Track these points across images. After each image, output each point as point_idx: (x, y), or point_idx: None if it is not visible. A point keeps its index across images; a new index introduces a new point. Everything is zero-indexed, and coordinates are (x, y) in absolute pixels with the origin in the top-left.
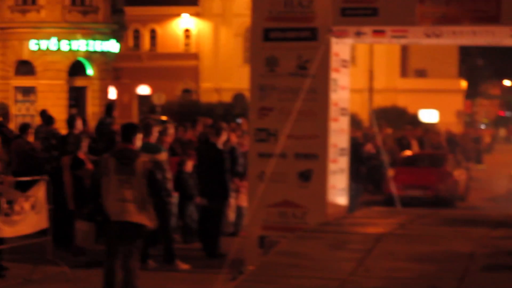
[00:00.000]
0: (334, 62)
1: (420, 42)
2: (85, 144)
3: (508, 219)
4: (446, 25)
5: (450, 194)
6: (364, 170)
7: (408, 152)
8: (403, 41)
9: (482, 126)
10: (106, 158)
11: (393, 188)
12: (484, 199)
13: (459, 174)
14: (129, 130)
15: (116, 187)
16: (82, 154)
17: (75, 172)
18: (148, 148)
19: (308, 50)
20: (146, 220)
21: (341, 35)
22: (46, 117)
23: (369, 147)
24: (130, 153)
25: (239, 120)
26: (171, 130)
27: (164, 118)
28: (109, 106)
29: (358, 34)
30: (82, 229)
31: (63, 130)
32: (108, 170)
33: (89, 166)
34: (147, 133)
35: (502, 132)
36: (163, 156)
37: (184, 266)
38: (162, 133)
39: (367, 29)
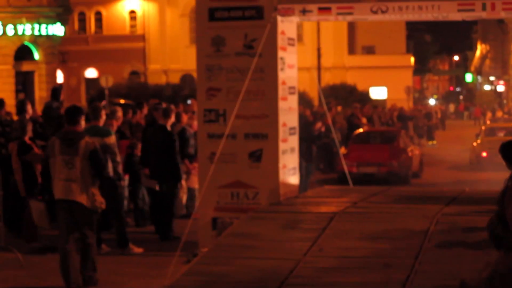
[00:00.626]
0: (280, 41)
1: (366, 19)
2: (29, 128)
3: (460, 195)
4: (392, 0)
5: (404, 171)
6: (315, 149)
7: (359, 130)
8: (349, 17)
9: (432, 102)
10: (52, 140)
11: (345, 166)
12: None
13: (412, 150)
14: (72, 113)
15: (61, 167)
16: (27, 138)
17: (22, 157)
18: (97, 131)
19: (254, 29)
20: (86, 201)
21: (286, 13)
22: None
23: (319, 125)
24: (74, 135)
25: (189, 101)
26: (119, 113)
27: (122, 101)
28: (55, 90)
29: (304, 11)
30: (36, 208)
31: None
32: (53, 151)
33: (37, 150)
34: (95, 116)
35: (452, 107)
36: (112, 139)
37: (137, 249)
38: (110, 116)
39: (313, 7)
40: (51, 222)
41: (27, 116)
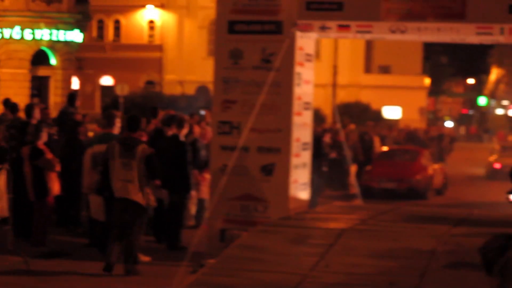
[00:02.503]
0: (298, 56)
1: (384, 38)
2: (44, 134)
3: (469, 216)
4: (411, 21)
5: (423, 187)
6: (326, 165)
7: (384, 148)
8: (368, 36)
9: (447, 124)
10: (112, 144)
11: (355, 184)
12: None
13: (435, 169)
14: (133, 121)
15: (120, 169)
16: (41, 144)
17: (34, 162)
18: (110, 139)
19: (272, 43)
20: (142, 199)
21: (306, 29)
22: (10, 106)
23: (326, 138)
24: (132, 141)
25: (203, 112)
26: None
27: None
28: (71, 96)
29: (323, 28)
30: (94, 202)
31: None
32: (113, 154)
33: (49, 155)
34: (109, 124)
35: (462, 130)
36: None
37: (145, 258)
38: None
39: (332, 24)
40: (106, 217)
41: (34, 121)
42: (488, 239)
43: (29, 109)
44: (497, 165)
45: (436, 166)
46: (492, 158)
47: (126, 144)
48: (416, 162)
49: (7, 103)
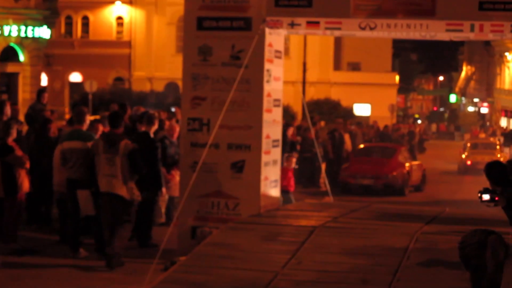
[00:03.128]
0: (268, 53)
1: (354, 35)
2: (14, 131)
3: (441, 214)
4: (381, 18)
5: (400, 184)
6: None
7: (360, 145)
8: (337, 33)
9: (419, 121)
10: (96, 140)
11: (326, 182)
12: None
13: (411, 165)
14: (114, 118)
15: (104, 164)
16: (11, 140)
17: (4, 159)
18: (79, 135)
19: (241, 40)
20: (126, 193)
21: (275, 25)
22: None
23: (290, 132)
24: (115, 136)
25: (173, 109)
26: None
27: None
28: (40, 92)
29: (292, 25)
30: (83, 196)
31: None
32: (97, 150)
33: (19, 152)
34: (79, 120)
35: (433, 127)
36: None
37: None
38: (98, 120)
39: (301, 20)
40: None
41: (5, 118)
42: (466, 234)
43: (0, 106)
44: (468, 162)
45: (414, 162)
46: (464, 154)
47: (110, 140)
48: (393, 159)
49: None
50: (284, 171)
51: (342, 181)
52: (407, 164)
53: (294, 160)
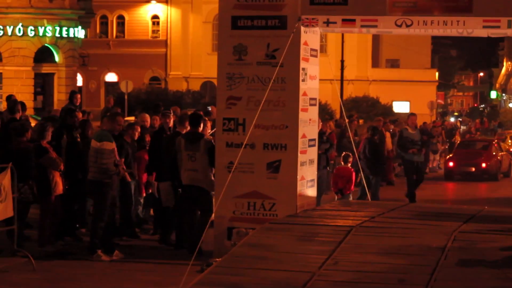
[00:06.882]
0: (303, 51)
1: (391, 32)
2: (49, 133)
3: (479, 213)
4: (417, 15)
5: (494, 170)
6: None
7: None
8: (373, 30)
9: (459, 118)
10: (179, 139)
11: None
12: None
13: (502, 156)
14: (195, 118)
15: (186, 160)
16: (45, 142)
17: (38, 160)
18: (104, 136)
19: (277, 38)
20: (207, 185)
21: (310, 23)
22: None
23: (325, 128)
24: (195, 135)
25: (209, 108)
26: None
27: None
28: (72, 94)
29: (328, 23)
30: (165, 189)
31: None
32: (180, 148)
33: (53, 154)
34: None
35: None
36: (110, 145)
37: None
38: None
39: (337, 18)
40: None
41: (17, 117)
42: None
43: (13, 104)
44: None
45: (503, 153)
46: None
47: (190, 138)
48: (488, 150)
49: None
50: (342, 172)
51: (446, 169)
52: (498, 155)
53: (351, 160)
